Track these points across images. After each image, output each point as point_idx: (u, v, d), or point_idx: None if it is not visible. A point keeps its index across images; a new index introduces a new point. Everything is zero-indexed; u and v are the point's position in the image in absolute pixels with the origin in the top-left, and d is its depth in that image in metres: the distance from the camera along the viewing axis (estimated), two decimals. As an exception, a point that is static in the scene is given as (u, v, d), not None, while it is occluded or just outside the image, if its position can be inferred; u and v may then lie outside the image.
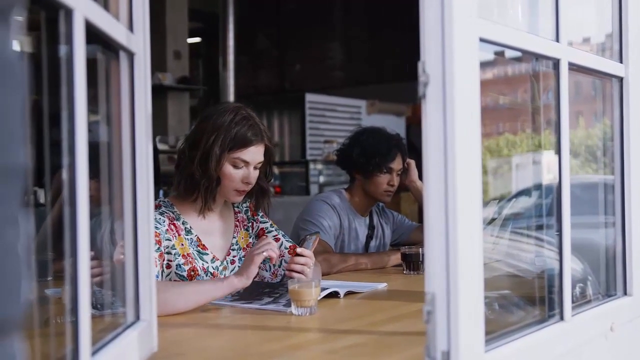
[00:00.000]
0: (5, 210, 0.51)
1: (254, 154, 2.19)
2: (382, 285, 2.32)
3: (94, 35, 1.10)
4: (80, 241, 0.99)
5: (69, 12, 0.98)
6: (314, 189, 7.19)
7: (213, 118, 2.17)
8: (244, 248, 2.34)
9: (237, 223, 2.37)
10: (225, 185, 2.20)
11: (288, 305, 1.89)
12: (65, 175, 0.99)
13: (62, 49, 1.00)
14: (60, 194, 1.74)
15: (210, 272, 2.20)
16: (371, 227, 3.11)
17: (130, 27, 1.34)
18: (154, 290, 1.40)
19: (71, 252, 0.99)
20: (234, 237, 2.33)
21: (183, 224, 2.20)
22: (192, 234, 2.21)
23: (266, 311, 1.90)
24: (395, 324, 1.81)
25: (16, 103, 0.51)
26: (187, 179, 2.18)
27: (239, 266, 2.28)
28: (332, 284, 2.19)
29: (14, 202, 0.52)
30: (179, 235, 2.16)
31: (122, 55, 1.32)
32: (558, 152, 1.50)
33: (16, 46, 0.54)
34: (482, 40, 1.24)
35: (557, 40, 1.49)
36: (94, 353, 1.07)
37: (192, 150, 2.18)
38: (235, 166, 2.18)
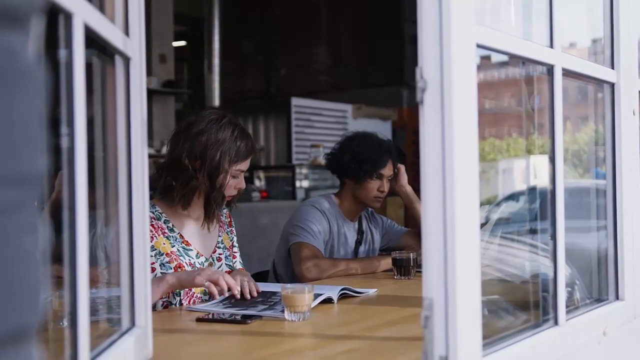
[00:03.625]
0: (24, 217, 0.51)
1: (249, 162, 2.32)
2: (372, 291, 2.33)
3: (90, 39, 1.09)
4: (79, 247, 0.98)
5: (68, 17, 0.97)
6: (300, 193, 7.18)
7: (212, 133, 2.22)
8: (228, 248, 2.42)
9: (221, 224, 2.44)
10: None
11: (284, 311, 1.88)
12: (64, 179, 0.98)
13: (61, 53, 0.99)
14: (50, 197, 1.72)
15: (197, 268, 2.23)
16: (360, 232, 3.11)
17: (126, 31, 1.33)
18: (149, 296, 1.39)
19: (70, 258, 0.98)
20: (219, 236, 2.41)
21: (165, 222, 2.24)
22: (175, 232, 2.26)
23: (260, 317, 1.89)
24: (389, 329, 1.81)
25: (35, 109, 0.51)
26: (191, 192, 2.23)
27: (226, 264, 2.38)
28: (324, 289, 2.19)
29: (32, 209, 0.52)
30: (159, 235, 2.19)
31: (118, 60, 1.31)
32: (552, 156, 1.51)
33: (35, 52, 0.53)
34: (479, 46, 1.24)
35: (551, 46, 1.50)
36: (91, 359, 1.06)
37: (192, 162, 2.21)
38: (234, 177, 2.28)
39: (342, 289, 2.17)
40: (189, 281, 1.99)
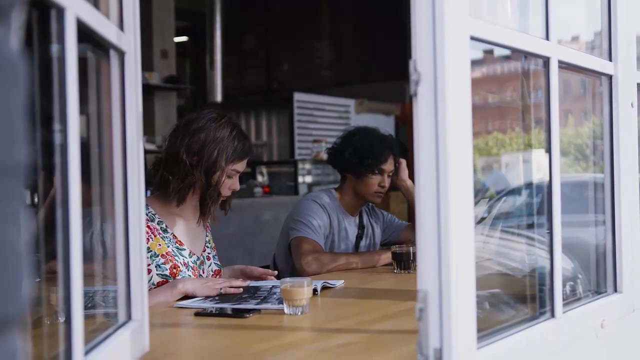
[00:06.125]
0: (8, 208, 0.51)
1: (245, 164, 2.34)
2: (339, 283, 2.35)
3: (84, 34, 1.09)
4: (72, 241, 0.99)
5: (60, 11, 0.97)
6: (302, 188, 7.18)
7: (211, 130, 2.25)
8: (213, 247, 2.47)
9: (209, 224, 2.47)
10: None
11: (280, 302, 1.88)
12: (57, 176, 0.99)
13: (54, 48, 0.99)
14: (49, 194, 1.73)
15: (191, 267, 2.26)
16: (361, 227, 3.11)
17: (121, 26, 1.33)
18: (145, 290, 1.39)
19: (64, 253, 0.98)
20: (207, 236, 2.45)
21: (158, 223, 2.27)
22: (168, 232, 2.28)
23: (258, 311, 1.89)
24: (386, 322, 1.81)
25: (17, 101, 0.51)
26: (187, 188, 2.26)
27: (214, 262, 2.42)
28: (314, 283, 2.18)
29: (16, 200, 0.52)
30: (155, 236, 2.22)
31: (113, 55, 1.31)
32: (548, 150, 1.51)
33: (16, 45, 0.53)
34: (473, 38, 1.24)
35: (547, 38, 1.50)
36: (86, 353, 1.06)
37: (190, 158, 2.22)
38: (229, 177, 2.29)
39: (322, 286, 2.19)
40: (204, 292, 2.10)
